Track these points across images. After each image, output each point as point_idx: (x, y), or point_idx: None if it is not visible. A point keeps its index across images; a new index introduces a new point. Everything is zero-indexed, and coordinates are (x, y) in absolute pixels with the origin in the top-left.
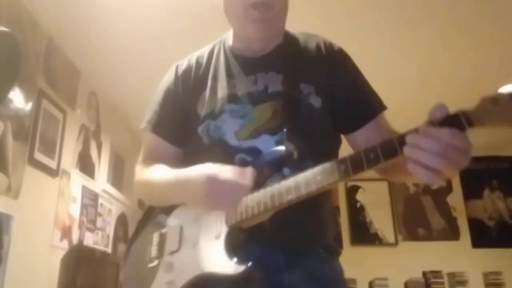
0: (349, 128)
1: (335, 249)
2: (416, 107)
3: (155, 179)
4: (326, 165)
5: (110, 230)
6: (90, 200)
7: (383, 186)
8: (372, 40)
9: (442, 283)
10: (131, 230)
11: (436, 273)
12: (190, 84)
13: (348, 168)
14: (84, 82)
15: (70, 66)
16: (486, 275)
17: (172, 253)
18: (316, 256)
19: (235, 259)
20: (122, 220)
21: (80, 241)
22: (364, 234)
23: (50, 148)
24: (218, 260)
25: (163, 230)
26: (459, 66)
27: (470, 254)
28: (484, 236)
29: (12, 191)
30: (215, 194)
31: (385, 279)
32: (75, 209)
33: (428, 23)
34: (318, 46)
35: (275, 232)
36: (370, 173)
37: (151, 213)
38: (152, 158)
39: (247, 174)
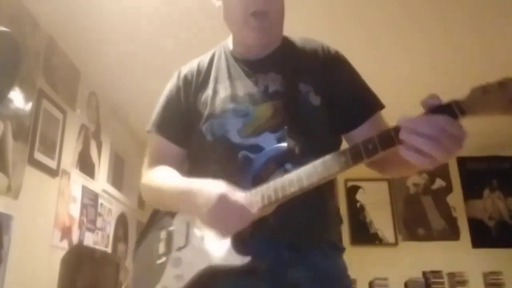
0: (347, 127)
1: (339, 246)
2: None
3: (164, 186)
4: (327, 157)
5: (110, 230)
6: (90, 200)
7: (383, 186)
8: (380, 35)
9: (442, 283)
10: (131, 230)
11: (436, 273)
12: (193, 86)
13: (348, 158)
14: (84, 82)
15: (70, 66)
16: (486, 275)
17: (179, 248)
18: (320, 252)
19: (240, 252)
20: (122, 220)
21: (80, 241)
22: (364, 234)
23: (50, 148)
24: (225, 253)
25: (170, 228)
26: (466, 63)
27: (470, 254)
28: (484, 236)
29: (12, 191)
30: (221, 212)
31: (385, 279)
32: (75, 209)
33: (433, 19)
34: (315, 49)
35: (279, 226)
36: (370, 173)
37: (156, 215)
38: (158, 161)
39: (256, 205)
